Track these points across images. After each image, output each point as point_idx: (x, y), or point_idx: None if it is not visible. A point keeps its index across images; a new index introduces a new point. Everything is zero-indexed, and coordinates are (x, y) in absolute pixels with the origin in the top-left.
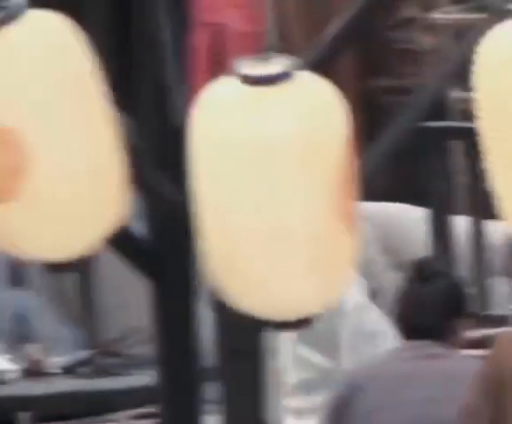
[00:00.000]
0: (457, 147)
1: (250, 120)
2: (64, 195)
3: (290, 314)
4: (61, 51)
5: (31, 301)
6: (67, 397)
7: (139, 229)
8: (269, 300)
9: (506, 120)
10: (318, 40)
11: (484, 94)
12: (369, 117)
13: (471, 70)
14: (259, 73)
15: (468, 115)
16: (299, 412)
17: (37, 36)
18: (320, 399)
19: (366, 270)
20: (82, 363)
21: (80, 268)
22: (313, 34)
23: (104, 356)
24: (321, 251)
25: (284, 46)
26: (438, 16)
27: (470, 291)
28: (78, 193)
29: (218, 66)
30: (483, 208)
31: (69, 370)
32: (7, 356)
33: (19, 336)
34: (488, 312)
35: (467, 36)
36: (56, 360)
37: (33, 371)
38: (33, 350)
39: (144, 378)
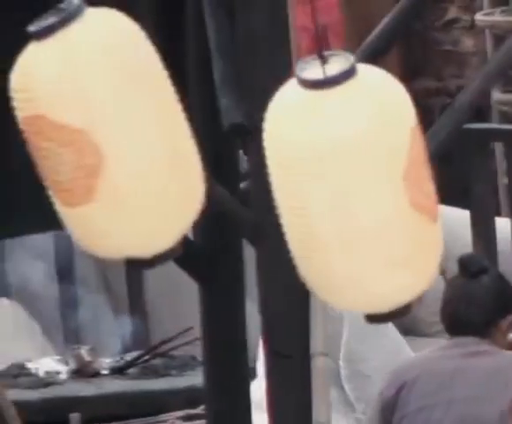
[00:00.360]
0: (498, 149)
1: (322, 123)
2: (145, 191)
3: (386, 307)
4: (124, 46)
5: (81, 299)
6: (116, 397)
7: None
8: (362, 297)
9: None
10: (359, 41)
11: None
12: None
13: None
14: (323, 76)
15: (509, 117)
16: None
17: (98, 34)
18: None
19: None
20: (131, 364)
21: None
22: (353, 36)
23: (153, 357)
24: (406, 242)
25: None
26: (480, 18)
27: None
28: (158, 187)
29: None
30: None
31: (118, 371)
32: (57, 357)
33: (69, 335)
34: None
35: (509, 38)
36: (106, 361)
37: (83, 372)
38: (82, 351)
39: (193, 379)
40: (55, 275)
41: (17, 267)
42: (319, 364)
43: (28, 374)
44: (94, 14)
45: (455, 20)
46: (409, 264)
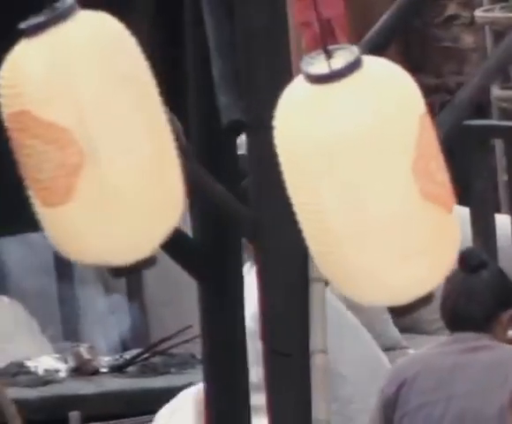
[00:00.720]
0: (498, 146)
1: (330, 118)
2: (124, 194)
3: (404, 299)
4: (113, 49)
5: (80, 297)
6: (116, 396)
7: (186, 229)
8: (380, 289)
9: None
10: (359, 38)
11: None
12: None
13: None
14: (329, 70)
15: (509, 113)
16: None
17: (88, 35)
18: None
19: None
20: (131, 362)
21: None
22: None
23: (153, 355)
24: (420, 233)
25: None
26: (479, 14)
27: None
28: (138, 190)
29: None
30: None
31: (118, 369)
32: (56, 355)
33: (68, 333)
34: None
35: (508, 34)
36: (105, 359)
37: (83, 370)
38: (82, 349)
39: (192, 377)
40: (54, 272)
41: (16, 265)
42: (318, 361)
43: (27, 372)
44: (85, 15)
45: (454, 17)
46: (424, 255)
